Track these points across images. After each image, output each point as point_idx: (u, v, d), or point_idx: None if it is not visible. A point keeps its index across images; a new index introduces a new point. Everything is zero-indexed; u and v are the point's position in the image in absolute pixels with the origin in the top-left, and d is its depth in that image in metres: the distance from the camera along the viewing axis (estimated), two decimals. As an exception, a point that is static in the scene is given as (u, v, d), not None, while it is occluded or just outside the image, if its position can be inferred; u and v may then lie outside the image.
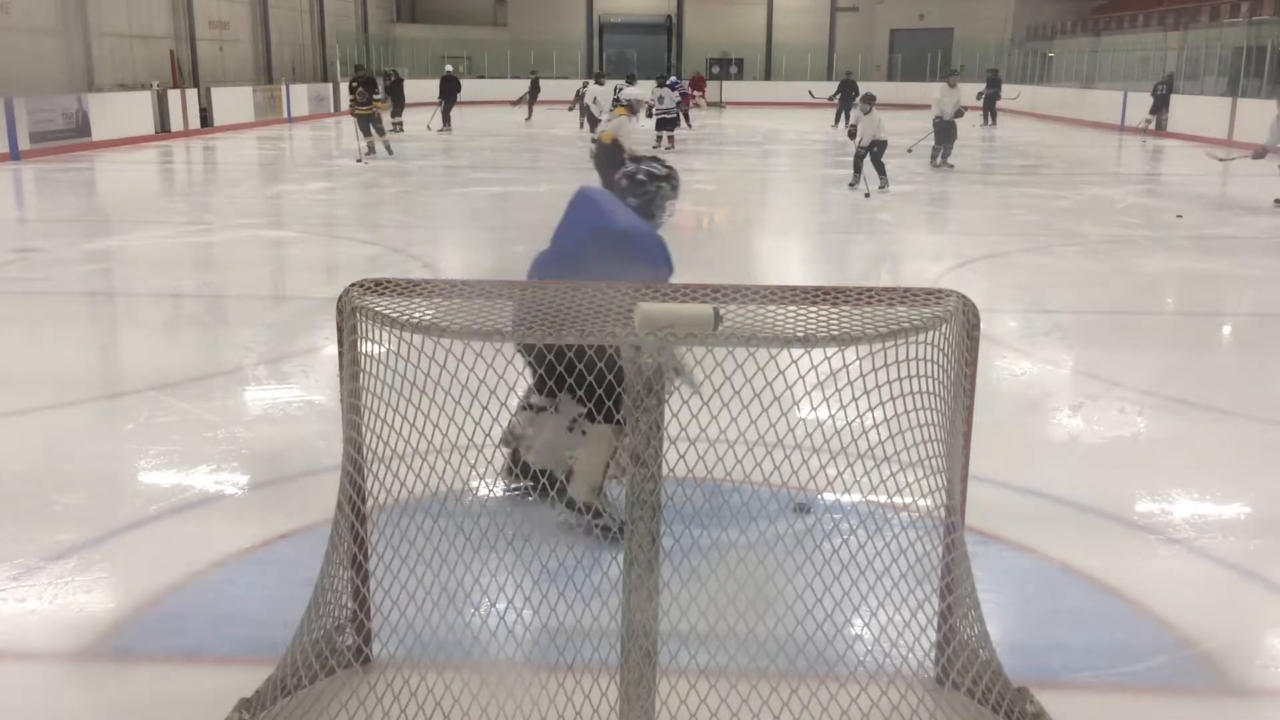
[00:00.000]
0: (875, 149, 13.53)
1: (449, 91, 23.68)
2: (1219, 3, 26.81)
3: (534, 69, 32.52)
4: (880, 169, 13.56)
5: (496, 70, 37.96)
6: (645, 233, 3.52)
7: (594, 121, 17.61)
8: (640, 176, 3.65)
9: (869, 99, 14.08)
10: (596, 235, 3.48)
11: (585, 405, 3.35)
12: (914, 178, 15.53)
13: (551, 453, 3.51)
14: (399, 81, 23.62)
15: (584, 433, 3.50)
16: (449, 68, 25.20)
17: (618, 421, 3.26)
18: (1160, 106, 24.18)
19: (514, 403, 2.53)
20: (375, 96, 17.68)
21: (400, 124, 23.05)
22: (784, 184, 16.15)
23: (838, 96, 25.67)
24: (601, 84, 19.72)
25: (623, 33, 40.45)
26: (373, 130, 17.25)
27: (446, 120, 23.42)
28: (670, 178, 3.68)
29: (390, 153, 17.32)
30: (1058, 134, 25.09)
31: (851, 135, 13.99)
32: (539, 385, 3.42)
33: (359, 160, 16.72)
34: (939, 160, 16.16)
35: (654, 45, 40.14)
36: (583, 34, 40.05)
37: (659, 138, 18.46)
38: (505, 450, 3.71)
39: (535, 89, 28.16)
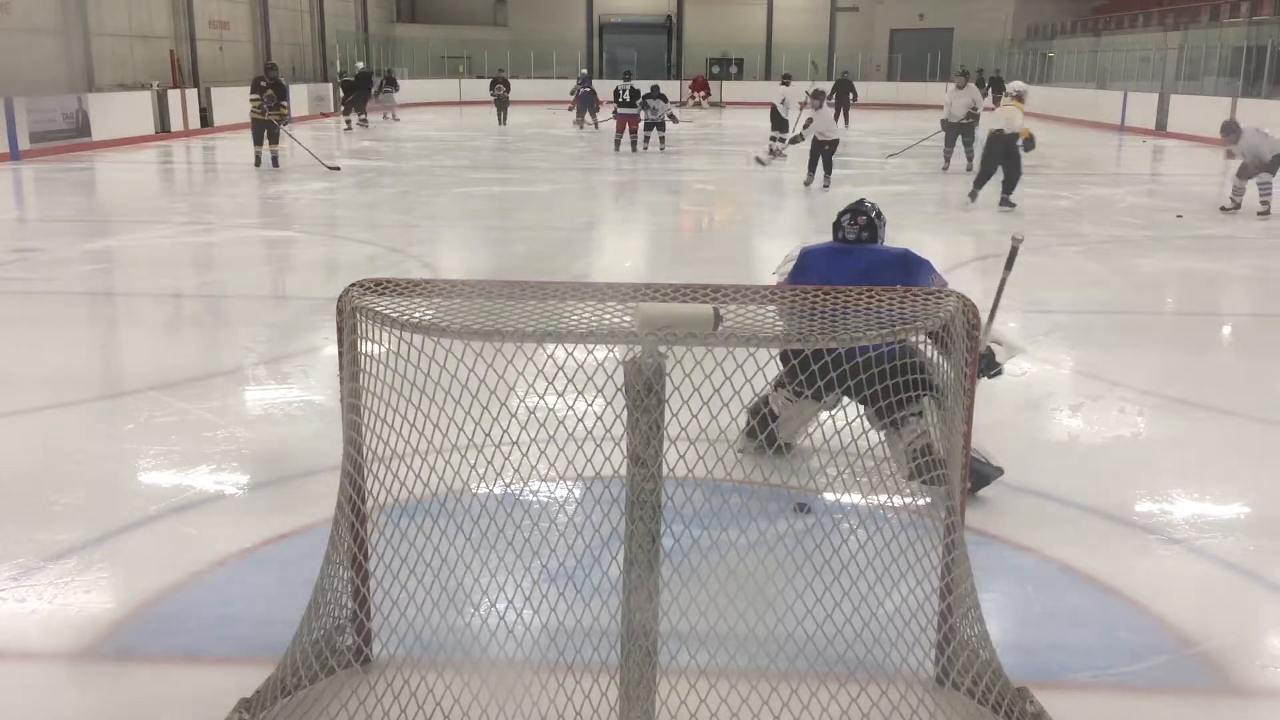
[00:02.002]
0: (827, 147, 13.56)
1: (362, 88, 24.67)
2: (1219, 3, 26.81)
3: (500, 68, 30.86)
4: (829, 167, 13.66)
5: (497, 70, 37.94)
6: (910, 251, 4.24)
7: (781, 122, 17.88)
8: (872, 215, 4.30)
9: (819, 94, 14.06)
10: (890, 264, 4.11)
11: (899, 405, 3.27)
12: (912, 178, 15.52)
13: (799, 430, 4.25)
14: (367, 80, 24.83)
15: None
16: (360, 64, 26.19)
17: (931, 396, 3.57)
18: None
19: (514, 402, 2.53)
20: (283, 103, 15.87)
21: (365, 120, 24.10)
22: (784, 184, 16.14)
23: (833, 97, 25.75)
24: (788, 84, 19.88)
25: (623, 33, 40.45)
26: (268, 139, 15.60)
27: (361, 113, 24.53)
28: (880, 213, 4.40)
29: (277, 165, 15.72)
30: (1057, 134, 25.06)
31: (802, 137, 13.98)
32: (811, 380, 3.54)
33: (260, 165, 15.60)
34: (948, 165, 15.75)
35: (654, 45, 40.13)
36: (583, 34, 40.03)
37: (647, 138, 18.70)
38: (751, 417, 4.07)
39: (503, 89, 26.06)
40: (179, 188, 15.86)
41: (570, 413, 2.39)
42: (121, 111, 19.64)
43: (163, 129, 20.71)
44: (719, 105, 34.25)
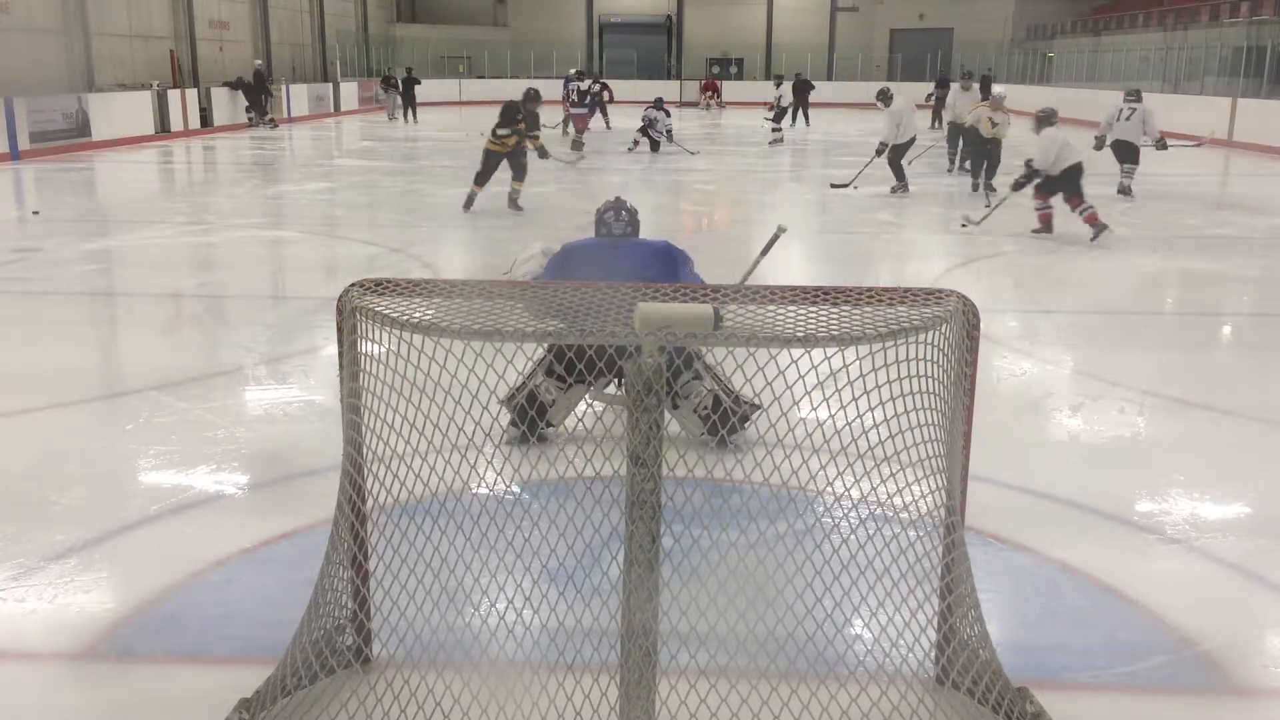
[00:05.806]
0: (898, 149, 13.40)
1: (242, 89, 25.26)
2: (1219, 3, 26.80)
3: (409, 66, 29.63)
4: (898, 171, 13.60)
5: (497, 70, 37.96)
6: (670, 243, 4.63)
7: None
8: (634, 211, 4.81)
9: (884, 93, 14.19)
10: (659, 256, 4.43)
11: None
12: (913, 179, 15.48)
13: (567, 414, 4.19)
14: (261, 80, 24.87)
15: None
16: (258, 62, 26.58)
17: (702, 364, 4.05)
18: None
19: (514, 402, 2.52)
20: (534, 133, 12.46)
21: (269, 120, 24.05)
22: (784, 184, 16.14)
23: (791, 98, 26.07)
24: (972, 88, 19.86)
25: (622, 32, 40.45)
26: (513, 177, 11.96)
27: (253, 111, 24.66)
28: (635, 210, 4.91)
29: (519, 208, 11.87)
30: (1058, 134, 25.03)
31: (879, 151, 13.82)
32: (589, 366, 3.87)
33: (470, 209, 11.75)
34: (961, 169, 15.19)
35: (654, 45, 40.13)
36: (583, 34, 40.04)
37: (637, 141, 18.87)
38: (510, 407, 4.11)
39: (395, 87, 24.91)
40: (179, 188, 15.86)
41: (570, 413, 2.39)
42: (121, 111, 19.63)
43: (163, 129, 20.70)
44: (719, 105, 34.29)
